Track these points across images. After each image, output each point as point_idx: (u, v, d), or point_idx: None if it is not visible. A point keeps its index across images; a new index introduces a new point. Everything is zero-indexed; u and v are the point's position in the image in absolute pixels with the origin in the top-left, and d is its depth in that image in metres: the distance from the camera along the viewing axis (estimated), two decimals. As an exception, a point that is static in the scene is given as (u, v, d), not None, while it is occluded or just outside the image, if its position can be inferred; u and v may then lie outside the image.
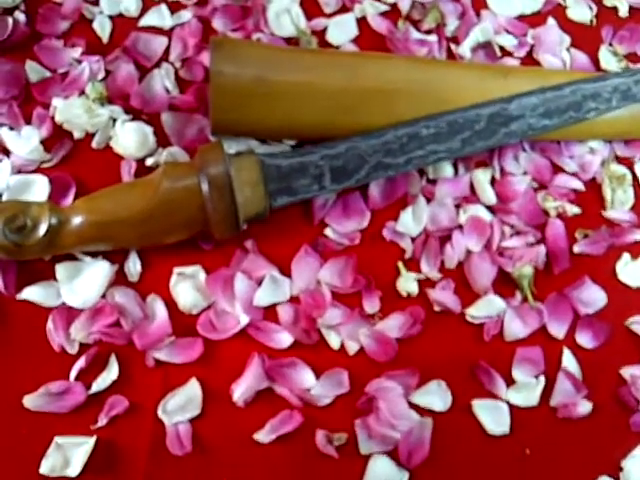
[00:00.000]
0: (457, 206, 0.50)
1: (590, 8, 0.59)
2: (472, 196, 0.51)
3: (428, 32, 0.56)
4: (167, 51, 0.52)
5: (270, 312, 0.45)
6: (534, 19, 0.58)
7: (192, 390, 0.43)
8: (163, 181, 0.42)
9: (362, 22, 0.56)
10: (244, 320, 0.44)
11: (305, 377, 0.44)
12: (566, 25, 0.58)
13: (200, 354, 0.44)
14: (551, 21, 0.58)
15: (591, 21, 0.59)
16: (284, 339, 0.45)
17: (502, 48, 0.56)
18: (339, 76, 0.47)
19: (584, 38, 0.58)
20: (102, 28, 0.52)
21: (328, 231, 0.48)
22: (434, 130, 0.46)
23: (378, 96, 0.47)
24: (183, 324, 0.44)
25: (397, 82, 0.48)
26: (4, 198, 0.46)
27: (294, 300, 0.46)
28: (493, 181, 0.51)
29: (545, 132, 0.48)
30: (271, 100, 0.46)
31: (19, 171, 0.47)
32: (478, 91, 0.49)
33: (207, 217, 0.42)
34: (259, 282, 0.46)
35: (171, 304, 0.45)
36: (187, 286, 0.45)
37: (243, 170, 0.43)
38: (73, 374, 0.42)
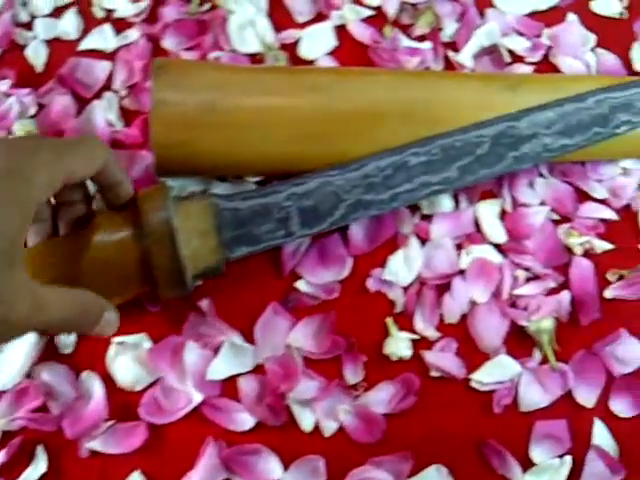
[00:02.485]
0: (458, 247, 0.47)
1: (619, -2, 0.55)
2: (477, 234, 0.47)
3: (421, 39, 0.52)
4: (111, 78, 0.50)
5: (229, 386, 0.42)
6: (551, 16, 0.55)
7: (134, 486, 0.40)
8: (96, 234, 0.39)
9: (342, 31, 0.53)
10: (197, 398, 0.42)
11: (271, 466, 0.41)
12: (590, 21, 0.55)
13: (143, 442, 0.41)
14: (571, 17, 0.55)
15: (621, 14, 0.55)
16: (245, 420, 0.41)
17: (512, 53, 0.53)
18: (311, 98, 0.44)
19: (613, 35, 0.54)
20: (36, 55, 0.50)
21: (301, 284, 0.45)
22: (425, 158, 0.43)
23: (359, 120, 0.44)
24: (123, 405, 0.41)
25: (381, 103, 0.45)
26: None
27: (259, 371, 0.43)
28: (503, 215, 0.48)
29: (564, 153, 0.45)
30: (226, 131, 0.43)
31: None
32: (481, 108, 0.45)
33: (148, 275, 0.39)
34: (217, 350, 0.43)
35: (109, 381, 0.42)
36: (128, 358, 0.42)
37: (191, 217, 0.40)
38: (-7, 470, 0.40)
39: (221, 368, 0.42)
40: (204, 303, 0.44)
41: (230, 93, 0.43)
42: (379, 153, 0.43)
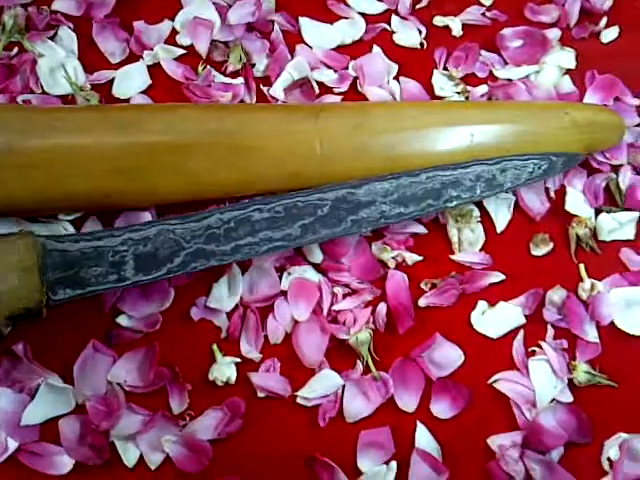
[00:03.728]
0: (280, 269, 0.46)
1: (419, 31, 0.57)
2: (297, 256, 0.47)
3: (235, 75, 0.53)
4: None
5: (50, 430, 0.40)
6: (356, 48, 0.56)
7: None
8: None
9: (156, 70, 0.52)
10: (12, 445, 0.39)
11: (95, 507, 0.38)
12: (393, 51, 0.56)
13: (-45, 499, 0.37)
14: (376, 49, 0.56)
15: (421, 44, 0.57)
16: (66, 462, 0.39)
17: (321, 84, 0.53)
18: (117, 134, 0.43)
19: (414, 64, 0.56)
20: None
21: (122, 319, 0.43)
22: (268, 215, 0.43)
23: (167, 153, 0.44)
24: None
25: (189, 135, 0.44)
26: None
27: (80, 411, 0.40)
28: (320, 235, 0.47)
29: (401, 220, 0.46)
30: (28, 172, 0.41)
31: None
32: (286, 135, 0.46)
33: None
34: (34, 394, 0.40)
35: None
36: None
37: (11, 253, 0.37)
38: None
39: (38, 412, 0.40)
40: (19, 346, 0.41)
41: (32, 133, 0.42)
42: (222, 207, 0.43)
